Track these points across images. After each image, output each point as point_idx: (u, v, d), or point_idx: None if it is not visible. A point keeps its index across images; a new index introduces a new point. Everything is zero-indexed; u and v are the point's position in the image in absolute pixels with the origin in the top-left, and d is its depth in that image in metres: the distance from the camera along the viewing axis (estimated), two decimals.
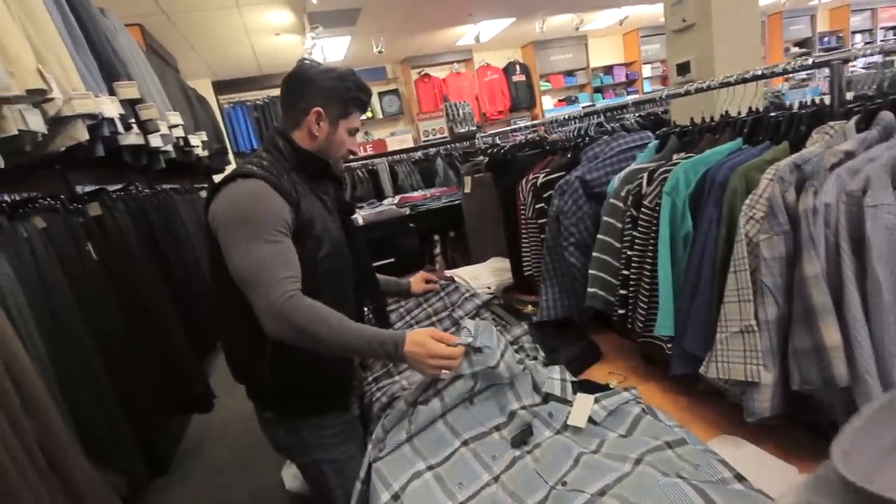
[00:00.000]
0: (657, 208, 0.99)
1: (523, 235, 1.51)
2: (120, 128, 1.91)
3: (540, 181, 1.41)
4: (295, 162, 1.05)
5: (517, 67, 7.25)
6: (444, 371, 0.94)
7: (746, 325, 0.77)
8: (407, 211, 2.36)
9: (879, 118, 0.77)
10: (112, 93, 1.97)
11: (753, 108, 1.14)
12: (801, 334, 0.71)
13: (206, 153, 3.79)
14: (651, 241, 1.01)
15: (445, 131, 4.17)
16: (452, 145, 4.03)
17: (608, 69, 7.92)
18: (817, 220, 0.69)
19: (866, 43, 9.12)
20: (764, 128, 0.95)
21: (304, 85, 1.05)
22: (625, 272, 1.07)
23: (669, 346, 0.98)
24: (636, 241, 1.03)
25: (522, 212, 1.50)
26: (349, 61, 6.13)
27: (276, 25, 4.55)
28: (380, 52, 5.50)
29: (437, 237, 2.45)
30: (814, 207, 0.69)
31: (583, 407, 0.93)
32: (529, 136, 1.87)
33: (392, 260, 2.29)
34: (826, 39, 8.47)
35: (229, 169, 4.67)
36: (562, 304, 1.37)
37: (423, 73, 6.77)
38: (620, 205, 1.10)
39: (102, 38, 2.02)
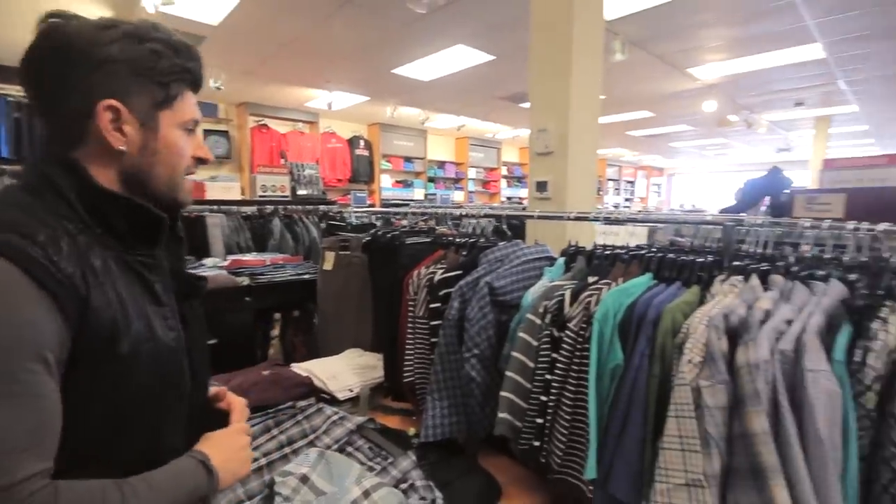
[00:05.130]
0: (583, 333, 0.95)
1: (409, 335, 1.33)
2: None
3: (437, 278, 1.28)
4: (90, 217, 0.60)
5: (361, 142, 7.40)
6: None
7: (693, 478, 0.73)
8: (246, 281, 1.93)
9: (773, 281, 0.89)
10: None
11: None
12: (747, 492, 0.70)
13: None
14: (574, 367, 0.95)
15: (287, 190, 3.80)
16: (292, 207, 3.67)
17: (441, 164, 8.76)
18: (759, 375, 0.72)
19: (626, 197, 12.33)
20: (669, 267, 1.03)
21: (70, 62, 0.60)
22: (542, 398, 0.98)
23: (591, 488, 0.89)
24: (558, 364, 0.97)
25: (411, 308, 1.33)
26: None
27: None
28: (218, 88, 4.92)
29: (277, 316, 2.05)
30: (755, 362, 0.72)
31: None
32: (415, 223, 1.77)
33: (215, 341, 1.79)
34: None
35: None
36: (450, 421, 1.20)
37: (261, 123, 6.29)
38: (539, 321, 1.04)
39: None
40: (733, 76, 4.92)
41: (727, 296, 0.88)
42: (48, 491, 0.49)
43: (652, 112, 6.72)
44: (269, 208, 3.51)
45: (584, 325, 0.95)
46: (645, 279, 1.01)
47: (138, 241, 0.65)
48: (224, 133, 6.13)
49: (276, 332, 2.03)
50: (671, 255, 1.04)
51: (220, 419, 0.82)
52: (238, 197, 4.56)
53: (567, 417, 0.94)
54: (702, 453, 0.73)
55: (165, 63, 0.65)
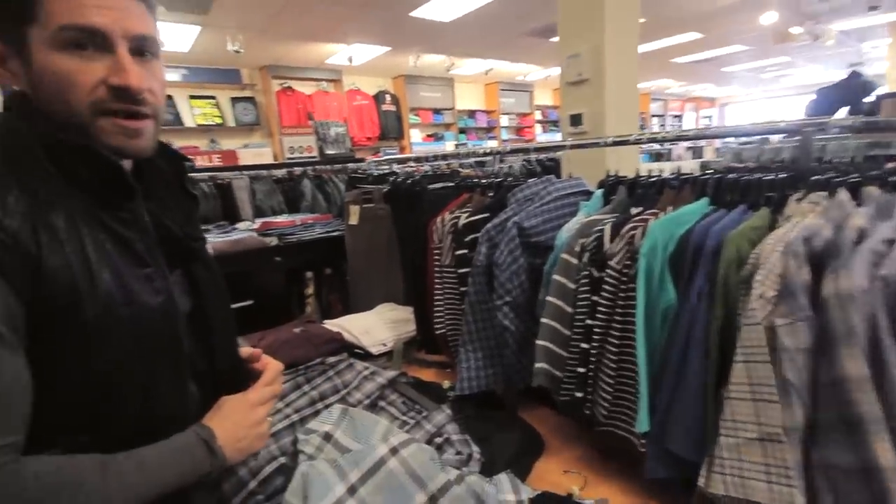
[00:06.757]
0: (627, 271, 0.82)
1: (437, 285, 1.24)
2: None
3: (462, 222, 1.17)
4: (53, 166, 0.53)
5: (387, 97, 7.18)
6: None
7: (771, 431, 0.62)
8: (275, 241, 1.90)
9: (868, 194, 0.72)
10: None
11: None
12: (841, 448, 0.58)
13: None
14: (618, 311, 0.83)
15: (314, 150, 3.73)
16: (322, 167, 3.61)
17: (472, 113, 8.40)
18: (853, 307, 0.58)
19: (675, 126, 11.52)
20: (730, 189, 0.87)
21: None
22: (584, 345, 0.88)
23: (643, 441, 0.80)
24: (599, 308, 0.85)
25: (437, 257, 1.24)
26: (196, 56, 5.26)
27: None
28: (237, 52, 4.83)
29: (309, 275, 2.03)
30: (849, 292, 0.58)
31: None
32: (437, 167, 1.66)
33: (251, 302, 1.80)
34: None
35: None
36: (486, 373, 1.13)
37: (286, 86, 6.19)
38: (575, 261, 0.92)
39: None
40: None
41: (806, 216, 0.72)
42: (10, 469, 0.44)
43: (700, 33, 6.04)
44: (298, 170, 3.47)
45: (628, 263, 0.83)
46: (700, 205, 0.86)
47: (106, 192, 0.57)
48: (250, 99, 6.10)
49: (310, 290, 2.02)
50: (732, 176, 0.88)
51: (255, 380, 0.77)
52: (270, 161, 4.57)
53: (612, 366, 0.83)
54: (779, 403, 0.61)
55: None
